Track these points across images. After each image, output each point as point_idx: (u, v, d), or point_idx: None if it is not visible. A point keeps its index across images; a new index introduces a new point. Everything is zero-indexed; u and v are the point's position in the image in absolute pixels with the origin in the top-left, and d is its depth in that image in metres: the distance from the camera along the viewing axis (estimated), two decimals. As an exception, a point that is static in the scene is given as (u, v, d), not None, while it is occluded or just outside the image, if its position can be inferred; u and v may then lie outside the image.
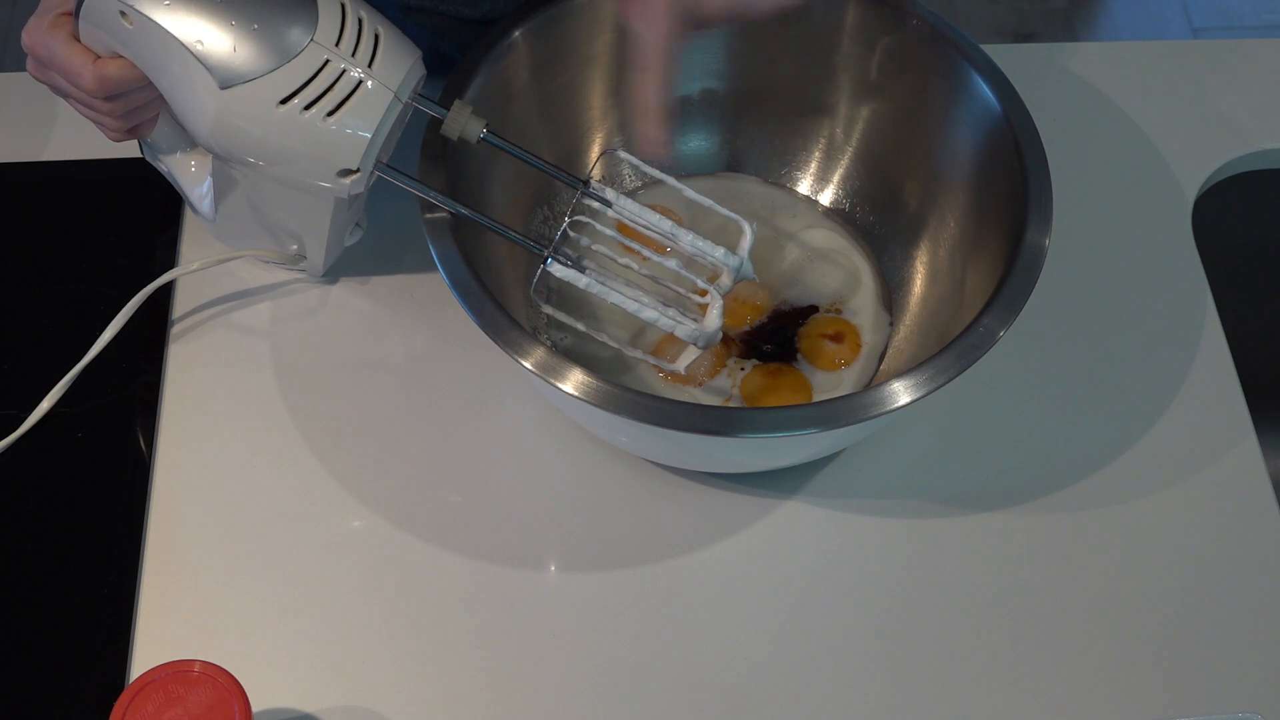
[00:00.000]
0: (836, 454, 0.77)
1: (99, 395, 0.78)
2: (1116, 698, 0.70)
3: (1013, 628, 0.72)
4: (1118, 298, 0.84)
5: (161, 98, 0.68)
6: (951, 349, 0.66)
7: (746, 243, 0.72)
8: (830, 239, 0.84)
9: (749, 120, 0.85)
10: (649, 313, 0.70)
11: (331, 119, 0.65)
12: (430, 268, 0.67)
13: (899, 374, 0.66)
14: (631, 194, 0.84)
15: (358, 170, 0.67)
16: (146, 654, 0.70)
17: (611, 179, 0.85)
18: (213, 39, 0.64)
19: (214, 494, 0.75)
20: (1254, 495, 0.77)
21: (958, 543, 0.75)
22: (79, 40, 0.67)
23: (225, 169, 0.73)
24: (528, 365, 0.65)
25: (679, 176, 0.74)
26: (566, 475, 0.76)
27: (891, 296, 0.82)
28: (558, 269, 0.69)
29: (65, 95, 0.69)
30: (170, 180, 0.78)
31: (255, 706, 0.61)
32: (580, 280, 0.70)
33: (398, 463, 0.76)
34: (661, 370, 0.77)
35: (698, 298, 0.72)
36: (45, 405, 0.76)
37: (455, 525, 0.74)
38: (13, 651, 0.71)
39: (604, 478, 0.76)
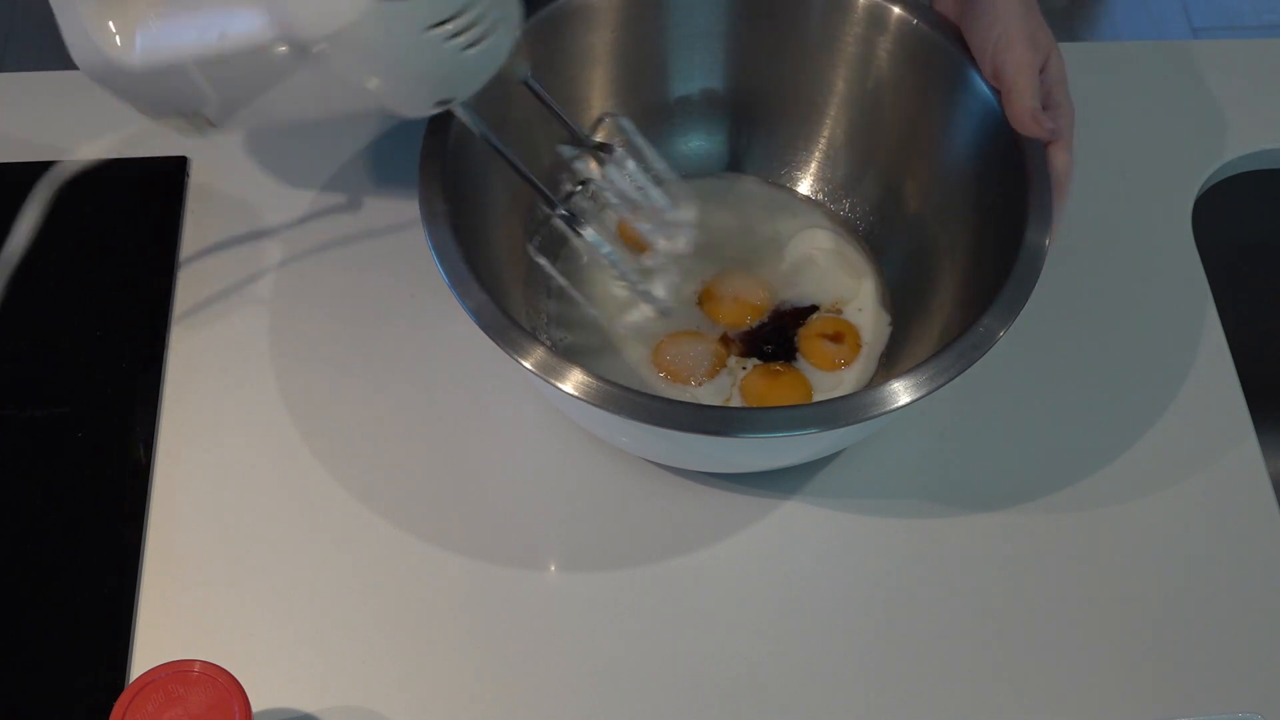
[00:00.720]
0: (836, 454, 0.77)
1: (99, 395, 0.78)
2: (1116, 698, 0.70)
3: (1012, 628, 0.72)
4: (1118, 298, 0.84)
5: None
6: (951, 349, 0.66)
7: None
8: (830, 239, 0.84)
9: (749, 120, 0.85)
10: (630, 273, 0.73)
11: (468, 52, 0.62)
12: (430, 267, 0.67)
13: (899, 374, 0.66)
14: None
15: (453, 101, 0.65)
16: (146, 654, 0.70)
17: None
18: None
19: (214, 494, 0.75)
20: (1254, 495, 0.77)
21: (958, 543, 0.75)
22: None
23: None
24: (528, 365, 0.65)
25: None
26: (566, 475, 0.76)
27: (891, 296, 0.82)
28: (561, 224, 0.70)
29: None
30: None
31: (255, 706, 0.61)
32: (586, 233, 0.71)
33: (397, 462, 0.76)
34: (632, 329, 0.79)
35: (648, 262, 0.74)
36: None
37: (455, 525, 0.74)
38: (13, 651, 0.71)
39: (604, 478, 0.76)
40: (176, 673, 0.59)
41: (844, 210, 0.85)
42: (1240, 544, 0.75)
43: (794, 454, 0.74)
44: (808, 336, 0.80)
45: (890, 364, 0.79)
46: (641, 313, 0.78)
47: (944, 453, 0.78)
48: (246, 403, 0.78)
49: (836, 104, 0.83)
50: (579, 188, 0.74)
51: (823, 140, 0.84)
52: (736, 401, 0.78)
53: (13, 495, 0.75)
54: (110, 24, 0.66)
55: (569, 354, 0.78)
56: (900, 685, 0.71)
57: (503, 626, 0.72)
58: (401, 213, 0.84)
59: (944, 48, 0.76)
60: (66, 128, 0.87)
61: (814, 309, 0.81)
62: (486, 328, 0.66)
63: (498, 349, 0.66)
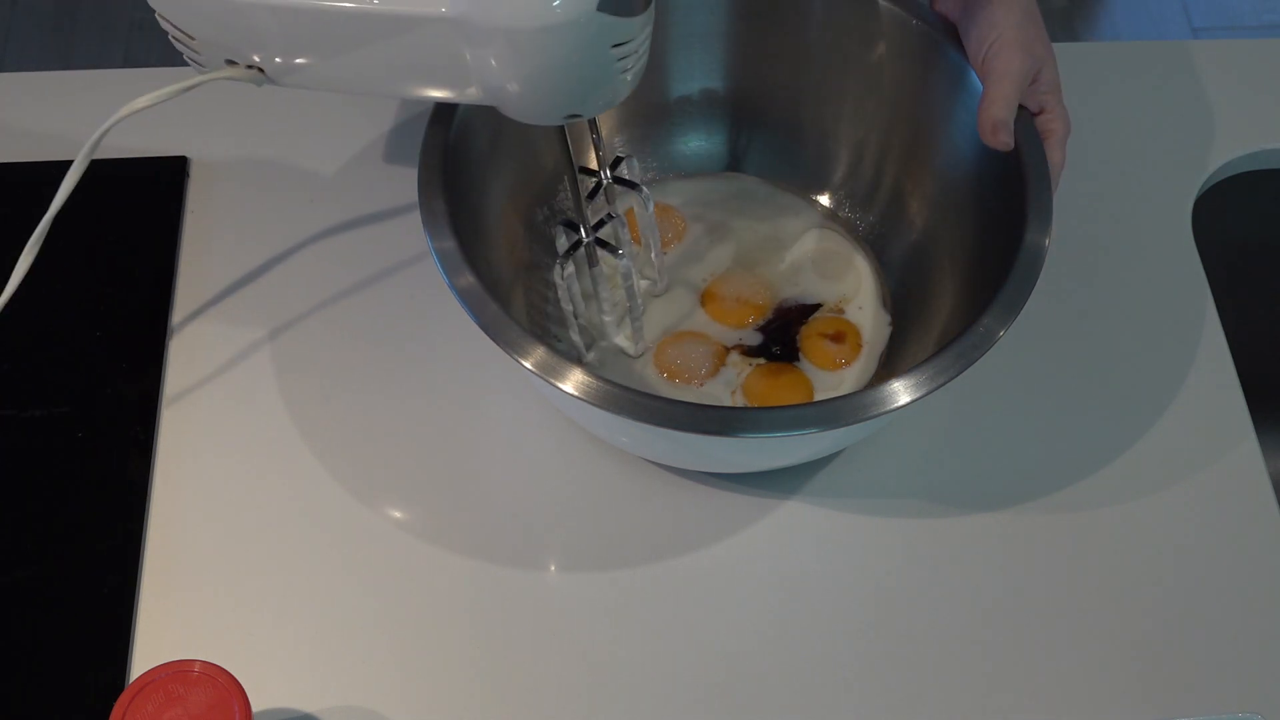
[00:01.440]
0: (836, 454, 0.77)
1: (99, 395, 0.78)
2: (1116, 698, 0.70)
3: (1012, 627, 0.72)
4: (1118, 298, 0.84)
5: None
6: (951, 349, 0.66)
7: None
8: (831, 239, 0.84)
9: (749, 120, 0.85)
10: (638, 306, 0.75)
11: (625, 75, 0.63)
12: (430, 266, 0.67)
13: (899, 374, 0.66)
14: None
15: (580, 117, 0.65)
16: (146, 654, 0.70)
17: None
18: None
19: (214, 493, 0.75)
20: (1254, 495, 0.77)
21: (958, 543, 0.75)
22: None
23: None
24: (528, 365, 0.65)
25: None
26: (566, 475, 0.76)
27: (892, 296, 0.82)
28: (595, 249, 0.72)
29: None
30: None
31: (255, 706, 0.61)
32: (623, 262, 0.73)
33: (397, 462, 0.76)
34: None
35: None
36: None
37: (455, 525, 0.74)
38: (13, 651, 0.71)
39: (604, 478, 0.76)
40: (176, 673, 0.59)
41: (844, 210, 0.85)
42: (1240, 544, 0.75)
43: (794, 454, 0.74)
44: (809, 336, 0.80)
45: (890, 364, 0.79)
46: (623, 339, 0.79)
47: (944, 453, 0.78)
48: (246, 403, 0.78)
49: (836, 104, 0.83)
50: (606, 217, 0.75)
51: (822, 140, 0.84)
52: (738, 401, 0.78)
53: (13, 495, 0.75)
54: None
55: (568, 354, 0.78)
56: (900, 685, 0.71)
57: (502, 626, 0.72)
58: (401, 212, 0.84)
59: (944, 48, 0.76)
60: (66, 128, 0.87)
61: (815, 308, 0.81)
62: (486, 328, 0.66)
63: (498, 349, 0.66)
